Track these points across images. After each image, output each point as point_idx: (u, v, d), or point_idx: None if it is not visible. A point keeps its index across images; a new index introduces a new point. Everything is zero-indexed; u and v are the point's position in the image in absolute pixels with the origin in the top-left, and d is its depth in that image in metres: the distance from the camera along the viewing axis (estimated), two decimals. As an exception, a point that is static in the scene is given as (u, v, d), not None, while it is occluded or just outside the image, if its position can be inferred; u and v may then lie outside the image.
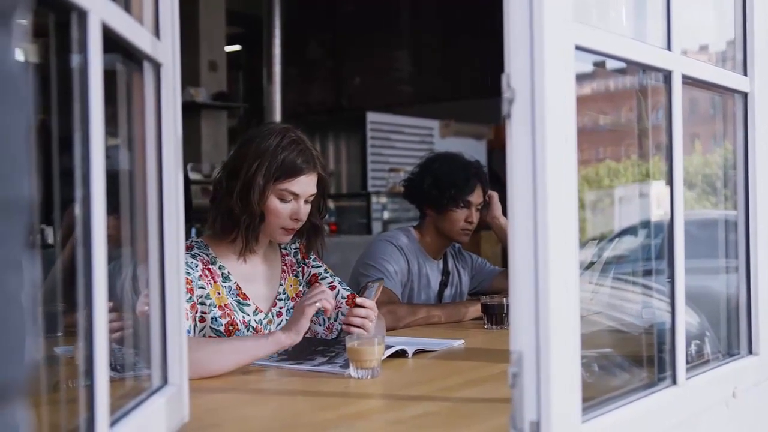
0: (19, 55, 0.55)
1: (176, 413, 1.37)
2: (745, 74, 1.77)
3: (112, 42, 1.09)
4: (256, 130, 2.24)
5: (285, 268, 2.34)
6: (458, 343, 2.31)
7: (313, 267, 2.38)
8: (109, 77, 1.07)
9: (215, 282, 2.16)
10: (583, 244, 1.26)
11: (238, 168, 2.14)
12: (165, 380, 1.35)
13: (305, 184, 2.16)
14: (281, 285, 2.31)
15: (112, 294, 1.07)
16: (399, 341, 2.13)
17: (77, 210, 0.99)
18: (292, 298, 2.31)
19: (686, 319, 1.54)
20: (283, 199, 2.15)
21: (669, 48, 1.48)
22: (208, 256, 2.19)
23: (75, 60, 1.00)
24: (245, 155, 2.15)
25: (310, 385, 1.79)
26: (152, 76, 1.33)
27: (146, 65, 1.31)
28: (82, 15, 0.97)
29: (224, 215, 2.16)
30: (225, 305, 2.15)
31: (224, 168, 2.21)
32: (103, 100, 1.01)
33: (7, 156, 0.52)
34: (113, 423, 1.08)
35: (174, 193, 1.36)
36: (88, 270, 0.99)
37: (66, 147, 1.01)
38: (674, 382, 1.48)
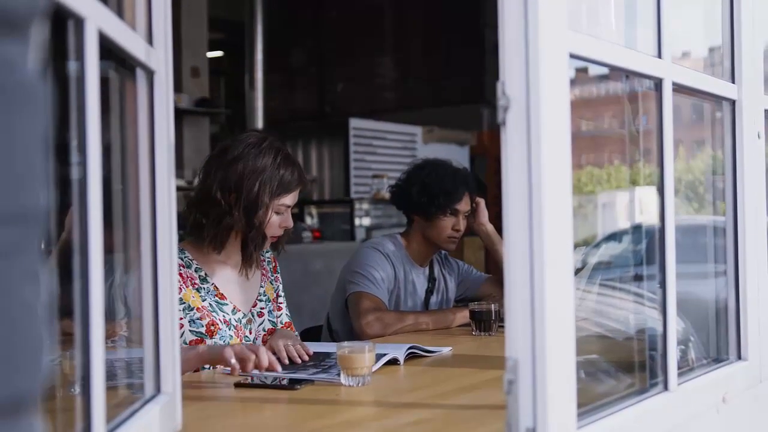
0: (36, 65, 0.55)
1: (169, 422, 1.36)
2: (733, 81, 1.78)
3: (106, 49, 1.08)
4: (240, 144, 2.25)
5: (264, 271, 2.42)
6: (447, 350, 2.31)
7: (279, 283, 2.48)
8: (102, 84, 1.06)
9: (187, 286, 2.20)
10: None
11: (239, 186, 2.19)
12: (158, 389, 1.35)
13: (296, 196, 2.30)
14: (261, 287, 2.39)
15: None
16: (388, 348, 2.13)
17: (74, 218, 0.98)
18: (272, 300, 2.40)
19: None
20: (278, 212, 2.26)
21: (659, 56, 1.49)
22: (182, 259, 2.23)
23: (71, 66, 0.99)
24: (240, 173, 2.19)
25: (301, 394, 1.78)
26: (145, 84, 1.32)
27: (139, 72, 1.31)
28: (79, 22, 0.97)
29: (225, 230, 2.22)
30: (202, 307, 2.20)
31: (217, 184, 2.21)
32: (99, 107, 1.01)
33: (25, 166, 0.51)
34: (108, 433, 1.07)
35: (167, 201, 1.36)
36: (85, 279, 0.98)
37: (60, 154, 1.00)
38: (666, 387, 1.49)
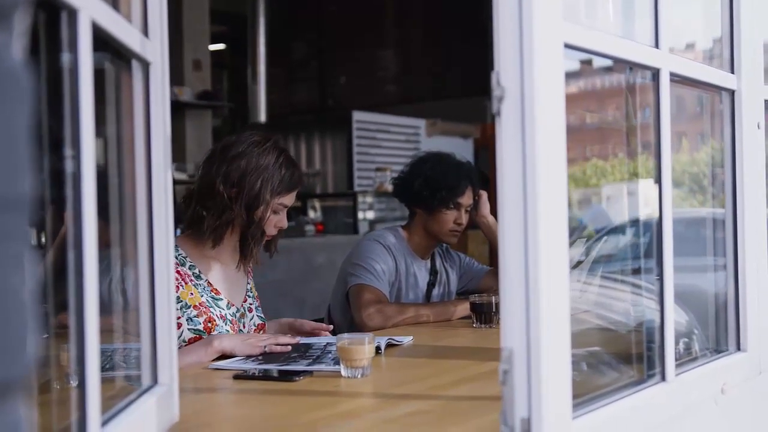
0: (20, 53, 0.55)
1: (166, 413, 1.36)
2: (732, 72, 1.77)
3: (101, 40, 1.08)
4: (244, 142, 2.27)
5: (249, 269, 2.44)
6: (408, 339, 2.32)
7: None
8: (97, 76, 1.06)
9: (186, 283, 2.22)
10: (570, 243, 1.26)
11: (241, 181, 2.22)
12: (155, 380, 1.35)
13: (294, 197, 2.33)
14: (248, 283, 2.42)
15: (100, 295, 1.06)
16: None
17: (68, 211, 0.98)
18: (256, 297, 2.44)
19: (674, 317, 1.54)
20: (275, 212, 2.28)
21: (657, 46, 1.49)
22: (176, 257, 2.23)
23: (64, 58, 0.99)
24: (243, 169, 2.22)
25: (299, 385, 1.79)
26: (141, 75, 1.32)
27: (135, 64, 1.31)
28: (72, 13, 0.97)
29: (224, 224, 2.24)
30: (200, 304, 2.22)
31: (220, 178, 2.22)
32: (93, 99, 1.01)
33: (9, 153, 0.52)
34: (104, 423, 1.07)
35: (163, 194, 1.36)
36: (80, 271, 0.98)
37: (54, 147, 1.00)
38: (663, 378, 1.49)
